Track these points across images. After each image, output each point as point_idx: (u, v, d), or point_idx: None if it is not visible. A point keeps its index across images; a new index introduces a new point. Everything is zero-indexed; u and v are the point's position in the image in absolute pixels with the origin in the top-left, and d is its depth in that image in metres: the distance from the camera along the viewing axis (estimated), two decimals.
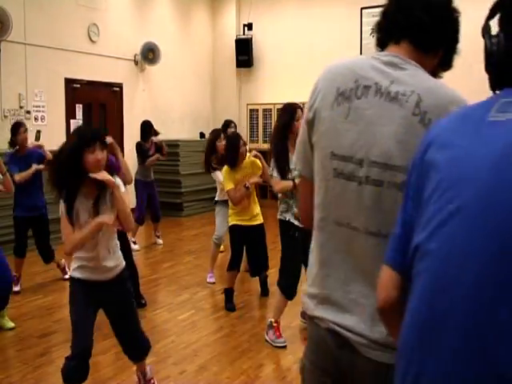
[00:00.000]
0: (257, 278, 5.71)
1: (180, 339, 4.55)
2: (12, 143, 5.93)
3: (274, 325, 4.47)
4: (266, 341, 4.49)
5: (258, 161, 5.22)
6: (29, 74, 8.61)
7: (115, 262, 3.21)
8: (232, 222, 5.32)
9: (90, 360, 3.13)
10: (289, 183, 4.28)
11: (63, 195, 3.01)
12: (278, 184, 4.36)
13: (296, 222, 4.33)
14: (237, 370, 3.97)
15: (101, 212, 3.05)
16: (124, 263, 3.31)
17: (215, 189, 10.79)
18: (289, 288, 4.37)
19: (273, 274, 6.06)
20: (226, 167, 5.25)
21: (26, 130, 5.97)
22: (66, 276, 6.13)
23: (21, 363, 4.10)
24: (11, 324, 4.80)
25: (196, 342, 4.50)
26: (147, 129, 8.13)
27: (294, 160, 1.78)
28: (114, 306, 3.25)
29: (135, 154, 8.20)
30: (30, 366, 4.04)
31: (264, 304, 5.48)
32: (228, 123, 7.55)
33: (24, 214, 5.81)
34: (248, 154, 5.33)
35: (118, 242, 3.30)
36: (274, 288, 5.76)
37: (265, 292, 5.69)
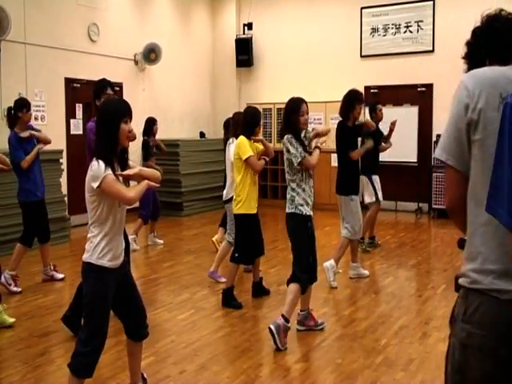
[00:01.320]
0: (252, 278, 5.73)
1: (180, 339, 4.55)
2: (12, 123, 5.86)
3: (310, 313, 4.68)
4: (300, 330, 4.66)
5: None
6: (29, 73, 8.62)
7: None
8: (241, 211, 5.31)
9: None
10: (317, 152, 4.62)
11: (109, 164, 3.07)
12: (314, 158, 4.58)
13: (311, 213, 4.54)
14: (237, 370, 3.98)
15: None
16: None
17: (215, 188, 10.83)
18: (310, 281, 4.57)
19: (272, 274, 6.08)
20: (242, 138, 5.28)
21: (29, 109, 5.94)
22: (61, 276, 6.17)
23: (21, 362, 4.11)
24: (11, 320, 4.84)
25: (196, 341, 4.50)
26: (151, 125, 8.12)
27: (440, 153, 1.89)
28: (125, 287, 3.27)
29: (137, 152, 8.19)
30: (30, 366, 4.05)
31: (264, 303, 5.48)
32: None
33: (30, 198, 5.88)
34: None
35: None
36: (274, 287, 5.78)
37: (263, 291, 5.66)
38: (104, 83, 4.79)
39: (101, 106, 3.20)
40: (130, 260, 4.35)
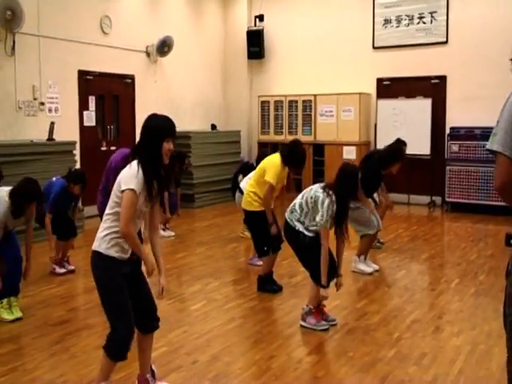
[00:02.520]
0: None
1: (192, 329, 4.58)
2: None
3: (313, 311, 4.56)
4: (303, 326, 4.58)
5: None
6: (42, 65, 8.66)
7: None
8: (260, 208, 5.49)
9: (97, 352, 3.17)
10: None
11: (148, 177, 3.10)
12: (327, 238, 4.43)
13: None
14: (248, 361, 4.00)
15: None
16: None
17: (227, 180, 10.86)
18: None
19: (284, 266, 6.09)
20: (279, 161, 5.38)
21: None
22: (71, 267, 6.23)
23: (36, 351, 4.15)
24: (19, 314, 4.86)
25: (208, 332, 4.53)
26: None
27: (497, 146, 2.01)
28: (135, 283, 3.31)
29: None
30: (45, 354, 4.09)
31: (276, 295, 5.49)
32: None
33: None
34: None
35: None
36: (286, 279, 5.79)
37: (277, 287, 5.65)
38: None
39: (147, 121, 3.24)
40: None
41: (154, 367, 3.54)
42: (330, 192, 4.39)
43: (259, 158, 7.35)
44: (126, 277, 3.23)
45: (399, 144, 6.56)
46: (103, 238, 3.17)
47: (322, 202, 4.36)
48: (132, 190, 3.04)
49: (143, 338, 3.41)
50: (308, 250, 4.52)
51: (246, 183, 6.19)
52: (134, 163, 3.12)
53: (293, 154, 5.36)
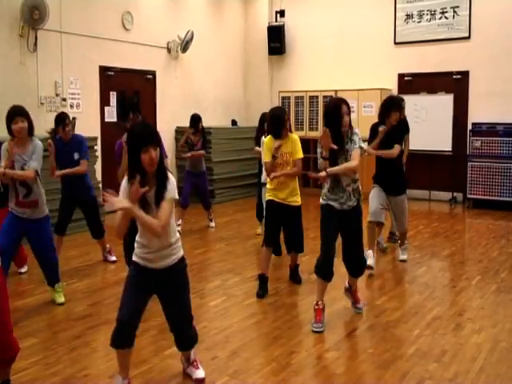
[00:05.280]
0: (287, 265, 5.77)
1: (212, 325, 4.60)
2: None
3: (315, 307, 4.53)
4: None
5: (298, 140, 5.28)
6: (64, 61, 8.74)
7: (171, 250, 3.34)
8: (268, 197, 5.39)
9: None
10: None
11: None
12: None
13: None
14: (268, 357, 4.00)
15: (144, 209, 3.14)
16: (182, 253, 3.42)
17: (247, 176, 10.90)
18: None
19: (303, 263, 6.07)
20: (268, 138, 5.30)
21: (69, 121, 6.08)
22: (113, 258, 6.37)
23: (57, 345, 4.21)
24: (62, 299, 5.10)
25: (228, 328, 4.54)
26: (197, 122, 8.23)
27: None
28: (168, 293, 3.40)
29: (168, 142, 8.29)
30: (66, 348, 4.14)
31: (296, 291, 5.49)
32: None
33: (68, 192, 6.18)
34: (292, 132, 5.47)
35: (177, 234, 3.40)
36: (306, 276, 5.78)
37: (296, 279, 5.70)
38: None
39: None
40: None
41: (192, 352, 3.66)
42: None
43: None
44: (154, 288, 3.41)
45: (389, 97, 6.48)
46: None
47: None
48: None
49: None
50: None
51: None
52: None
53: (267, 123, 5.38)
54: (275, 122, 5.17)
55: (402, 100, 6.96)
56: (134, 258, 3.34)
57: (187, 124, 8.41)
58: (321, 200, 4.57)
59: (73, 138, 6.01)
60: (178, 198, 3.24)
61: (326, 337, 4.38)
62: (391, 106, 6.03)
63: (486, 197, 9.97)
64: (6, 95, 7.67)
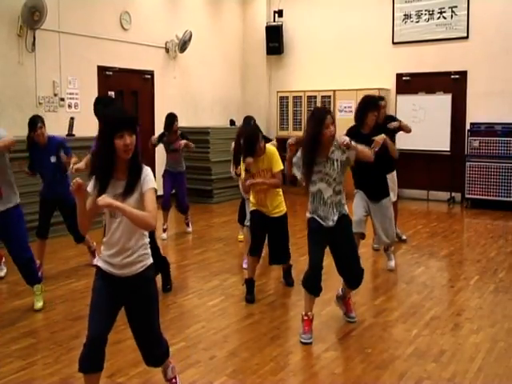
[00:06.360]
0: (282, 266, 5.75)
1: (210, 325, 4.59)
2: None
3: (305, 318, 4.33)
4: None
5: (276, 153, 5.21)
6: (62, 61, 8.73)
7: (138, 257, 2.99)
8: (252, 207, 5.38)
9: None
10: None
11: (96, 182, 2.87)
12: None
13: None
14: (266, 357, 4.00)
15: (126, 202, 2.83)
16: (151, 261, 3.05)
17: None
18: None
19: (302, 262, 6.06)
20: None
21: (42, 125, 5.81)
22: (95, 261, 6.22)
23: (55, 345, 4.20)
24: (40, 304, 4.97)
25: (226, 328, 4.54)
26: (171, 122, 7.70)
27: None
28: (132, 304, 3.04)
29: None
30: (64, 348, 4.14)
31: (294, 292, 5.48)
32: (248, 120, 7.39)
33: (47, 195, 5.97)
34: (269, 144, 5.46)
35: (146, 240, 3.04)
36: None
37: (289, 282, 5.66)
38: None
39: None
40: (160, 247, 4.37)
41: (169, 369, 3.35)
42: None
43: None
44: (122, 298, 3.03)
45: (365, 96, 5.96)
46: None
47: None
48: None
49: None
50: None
51: None
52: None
53: (243, 149, 5.23)
54: (248, 143, 5.13)
55: (382, 99, 6.63)
56: (99, 263, 3.02)
57: (185, 124, 8.36)
58: (307, 214, 4.39)
59: (49, 141, 5.81)
60: (156, 187, 2.91)
61: (324, 337, 4.37)
62: (367, 107, 5.63)
63: (484, 197, 9.98)
64: (5, 95, 7.66)
